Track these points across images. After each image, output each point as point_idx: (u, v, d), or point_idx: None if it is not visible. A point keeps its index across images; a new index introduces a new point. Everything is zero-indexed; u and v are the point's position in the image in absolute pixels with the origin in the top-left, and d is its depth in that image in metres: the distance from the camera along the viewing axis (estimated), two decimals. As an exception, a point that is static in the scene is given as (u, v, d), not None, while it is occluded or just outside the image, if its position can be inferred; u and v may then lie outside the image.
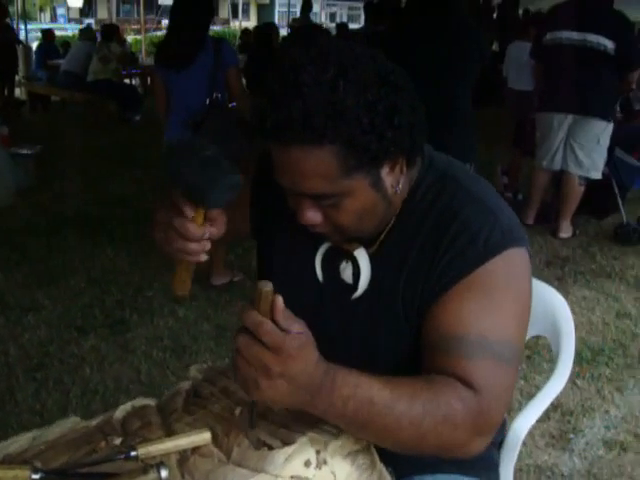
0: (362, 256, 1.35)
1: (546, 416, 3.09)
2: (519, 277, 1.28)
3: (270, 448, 1.21)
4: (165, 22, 33.53)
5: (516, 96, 7.44)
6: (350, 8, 39.48)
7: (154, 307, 4.20)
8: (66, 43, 15.60)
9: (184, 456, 1.20)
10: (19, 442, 1.25)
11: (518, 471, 2.71)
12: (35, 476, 1.11)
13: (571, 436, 3.06)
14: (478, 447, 1.23)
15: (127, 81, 13.12)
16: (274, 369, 1.05)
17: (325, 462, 1.23)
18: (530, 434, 2.59)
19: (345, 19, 34.65)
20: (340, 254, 1.38)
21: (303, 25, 9.49)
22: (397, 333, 1.34)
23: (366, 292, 1.36)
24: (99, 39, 11.94)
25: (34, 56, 14.63)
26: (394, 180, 1.25)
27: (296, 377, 1.07)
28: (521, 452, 1.77)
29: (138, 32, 24.75)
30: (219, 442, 1.23)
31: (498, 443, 1.64)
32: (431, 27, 3.82)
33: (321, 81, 1.10)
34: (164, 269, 4.70)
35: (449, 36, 3.82)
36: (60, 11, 39.98)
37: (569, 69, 5.10)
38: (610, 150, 5.56)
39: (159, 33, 25.57)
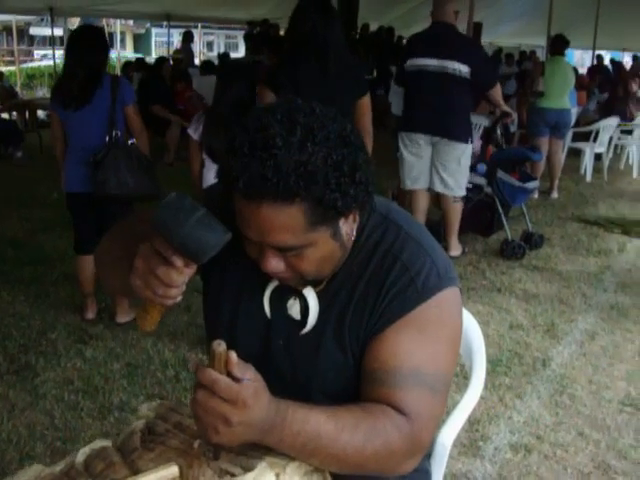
0: (310, 294, 1.45)
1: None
2: (452, 314, 1.43)
3: (232, 476, 1.29)
4: (37, 53, 32.81)
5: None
6: (227, 37, 39.62)
7: (59, 349, 4.14)
8: None
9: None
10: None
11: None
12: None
13: (480, 443, 3.26)
14: (412, 466, 1.38)
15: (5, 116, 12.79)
16: (233, 418, 1.16)
17: (286, 482, 1.32)
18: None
19: (222, 48, 34.73)
20: (288, 291, 1.47)
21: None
22: (343, 366, 1.45)
23: (314, 328, 1.46)
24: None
25: None
26: (349, 228, 1.37)
27: (252, 422, 1.19)
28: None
29: (11, 63, 24.12)
30: (185, 475, 1.30)
31: (428, 455, 1.77)
32: (315, 73, 4.02)
33: (291, 142, 1.19)
34: (65, 309, 4.68)
35: (332, 79, 4.01)
36: None
37: (430, 93, 5.43)
38: (492, 171, 5.89)
39: (33, 65, 25.03)
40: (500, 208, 6.01)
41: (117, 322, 4.47)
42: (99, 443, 1.43)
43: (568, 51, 8.63)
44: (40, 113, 14.72)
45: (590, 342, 4.44)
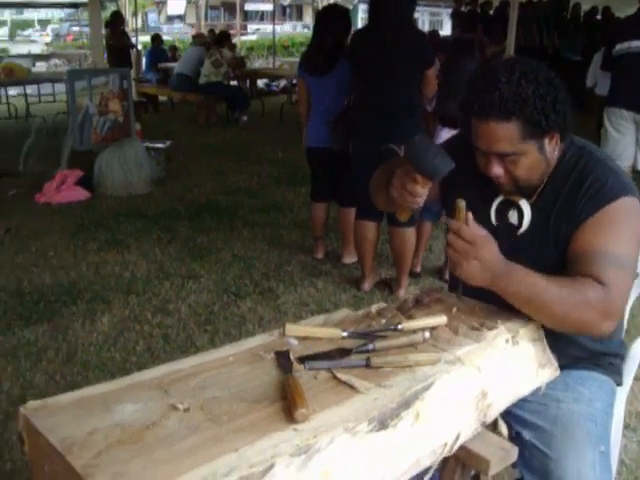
0: (525, 204, 1.98)
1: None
2: (633, 217, 1.87)
3: (479, 330, 1.83)
4: (251, 27, 34.57)
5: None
6: (432, 14, 39.50)
7: (295, 279, 4.85)
8: (173, 47, 16.56)
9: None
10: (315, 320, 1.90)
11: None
12: (344, 334, 1.75)
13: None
14: (607, 328, 1.80)
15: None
16: (470, 253, 1.71)
17: (517, 343, 1.84)
18: None
19: (427, 26, 34.82)
20: (508, 204, 2.01)
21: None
22: (548, 255, 1.94)
23: (528, 229, 1.98)
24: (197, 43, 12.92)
25: (144, 59, 15.65)
26: (552, 148, 1.88)
27: (484, 260, 1.71)
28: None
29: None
30: (449, 325, 1.85)
31: (622, 356, 2.21)
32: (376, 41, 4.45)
33: (510, 80, 1.75)
34: (297, 249, 5.39)
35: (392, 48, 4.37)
36: (151, 16, 41.38)
37: (636, 74, 5.57)
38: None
39: (253, 37, 26.59)
40: None
41: (343, 262, 5.14)
42: (380, 305, 2.02)
43: None
44: (259, 82, 15.90)
45: None
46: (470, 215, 1.73)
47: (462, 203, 1.75)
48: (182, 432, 1.31)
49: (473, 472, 1.83)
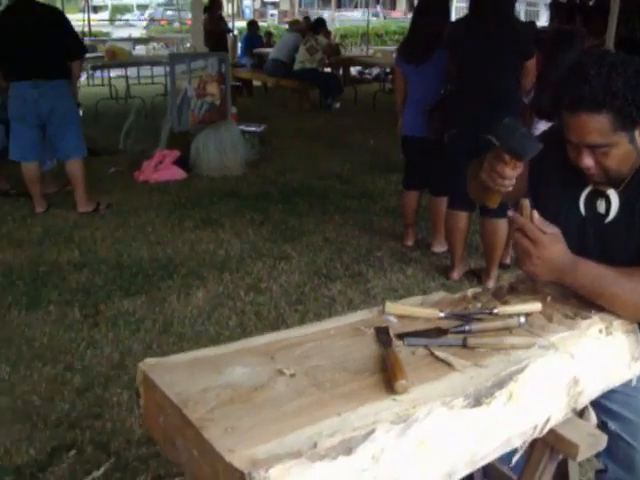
0: (613, 194, 1.98)
1: None
2: None
3: (572, 319, 1.85)
4: (344, 14, 34.58)
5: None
6: (528, 4, 38.63)
7: (385, 265, 4.92)
8: (269, 33, 16.77)
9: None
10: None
11: None
12: (441, 314, 1.80)
13: None
14: None
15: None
16: (532, 253, 1.76)
17: (611, 333, 1.86)
18: None
19: (523, 16, 34.12)
20: (597, 194, 2.02)
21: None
22: (634, 244, 1.93)
23: (615, 218, 1.98)
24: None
25: (239, 44, 15.91)
26: None
27: (546, 260, 1.76)
28: None
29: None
30: (543, 312, 1.88)
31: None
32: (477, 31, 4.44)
33: (600, 72, 1.75)
34: (387, 236, 5.44)
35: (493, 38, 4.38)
36: (246, 2, 41.84)
37: None
38: None
39: (346, 25, 26.64)
40: None
41: (433, 251, 5.18)
42: (475, 289, 2.07)
43: None
44: (352, 70, 15.95)
45: None
46: (535, 214, 1.76)
47: (526, 202, 1.79)
48: (288, 395, 1.39)
49: (561, 457, 1.86)
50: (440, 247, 5.16)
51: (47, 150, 6.22)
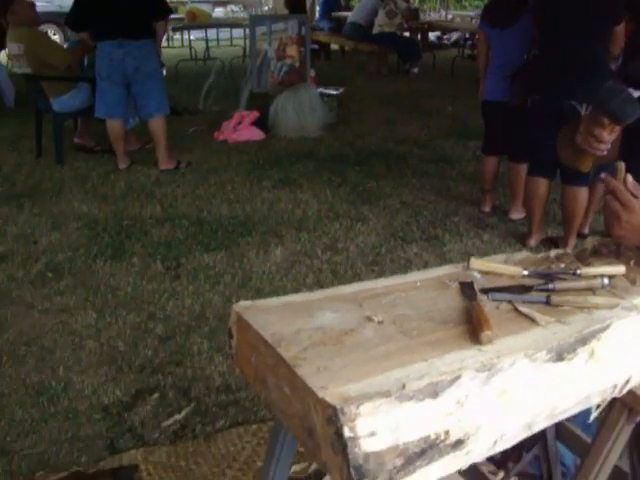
0: None
1: None
2: None
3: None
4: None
5: None
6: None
7: (461, 230, 4.92)
8: (348, -5, 16.69)
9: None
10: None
11: None
12: (525, 272, 1.83)
13: None
14: None
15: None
16: (622, 216, 1.75)
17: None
18: None
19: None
20: None
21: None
22: None
23: None
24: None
25: (318, 7, 15.86)
26: None
27: (635, 225, 1.75)
28: None
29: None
30: (626, 275, 1.88)
31: None
32: None
33: None
34: (464, 202, 5.43)
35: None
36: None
37: None
38: None
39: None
40: None
41: (510, 217, 5.15)
42: (557, 250, 2.08)
43: None
44: (431, 35, 15.76)
45: None
46: (629, 177, 1.75)
47: (621, 165, 1.77)
48: (377, 340, 1.44)
49: (639, 419, 1.88)
50: (517, 214, 5.12)
51: (130, 109, 6.38)
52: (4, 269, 4.22)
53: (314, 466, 2.55)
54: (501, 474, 2.46)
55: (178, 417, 2.88)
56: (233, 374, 3.13)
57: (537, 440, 2.37)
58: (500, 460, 2.54)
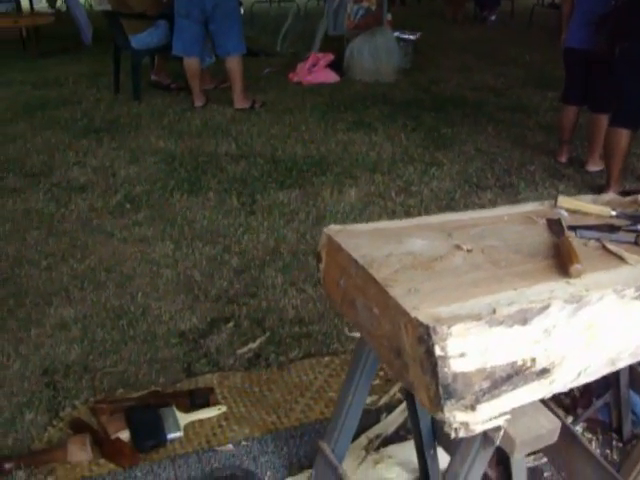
0: None
1: None
2: None
3: None
4: None
5: None
6: None
7: (536, 179, 4.85)
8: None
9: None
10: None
11: None
12: (613, 212, 1.82)
13: None
14: None
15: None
16: None
17: None
18: None
19: None
20: None
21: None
22: None
23: None
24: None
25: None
26: None
27: None
28: None
29: None
30: None
31: None
32: None
33: None
34: (539, 151, 5.35)
35: None
36: None
37: None
38: None
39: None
40: None
41: (587, 169, 5.05)
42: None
43: None
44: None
45: None
46: None
47: None
48: (466, 267, 1.47)
49: None
50: (595, 166, 5.02)
51: (207, 47, 6.41)
52: (84, 199, 4.34)
53: (385, 399, 2.60)
54: (570, 419, 2.48)
55: (253, 345, 2.95)
56: (306, 308, 3.19)
57: (608, 387, 2.37)
58: (569, 405, 2.55)
